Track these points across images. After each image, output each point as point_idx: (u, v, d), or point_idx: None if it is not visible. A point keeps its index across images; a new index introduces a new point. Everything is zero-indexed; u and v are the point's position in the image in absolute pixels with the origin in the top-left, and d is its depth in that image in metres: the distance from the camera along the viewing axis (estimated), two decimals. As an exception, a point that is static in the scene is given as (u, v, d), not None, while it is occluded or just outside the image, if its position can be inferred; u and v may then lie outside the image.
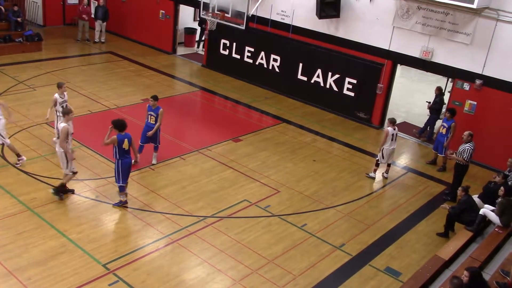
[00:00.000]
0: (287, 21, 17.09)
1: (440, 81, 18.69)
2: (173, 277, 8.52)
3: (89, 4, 21.02)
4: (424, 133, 15.38)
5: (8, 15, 19.07)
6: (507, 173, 11.32)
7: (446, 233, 10.52)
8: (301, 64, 17.07)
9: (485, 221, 10.11)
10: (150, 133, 11.61)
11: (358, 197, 11.74)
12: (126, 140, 9.85)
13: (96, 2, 21.19)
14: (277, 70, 17.77)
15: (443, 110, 14.83)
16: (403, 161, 14.00)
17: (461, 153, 11.60)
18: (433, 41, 14.20)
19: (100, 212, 10.09)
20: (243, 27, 17.39)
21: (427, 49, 14.34)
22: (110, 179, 11.03)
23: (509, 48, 12.99)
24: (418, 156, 14.40)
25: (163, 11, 20.62)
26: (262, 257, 9.28)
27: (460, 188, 10.33)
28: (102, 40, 21.21)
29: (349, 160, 13.55)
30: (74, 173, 10.33)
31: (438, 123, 14.36)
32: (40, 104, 14.50)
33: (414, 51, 14.60)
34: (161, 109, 11.57)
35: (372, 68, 15.52)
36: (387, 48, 15.13)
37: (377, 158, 12.64)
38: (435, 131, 14.56)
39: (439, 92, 15.31)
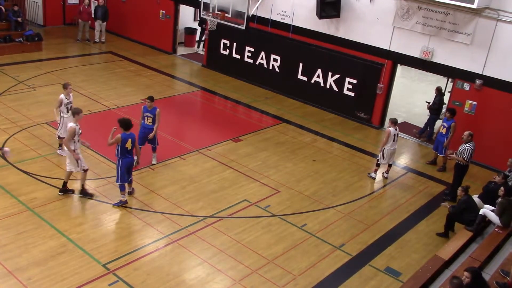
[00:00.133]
0: (287, 21, 17.09)
1: (440, 81, 18.69)
2: (173, 277, 8.52)
3: (89, 4, 21.01)
4: (424, 133, 15.38)
5: (8, 15, 19.07)
6: (507, 173, 11.31)
7: (446, 233, 10.52)
8: (301, 64, 17.07)
9: (485, 221, 10.11)
10: (151, 134, 11.59)
11: (358, 197, 11.74)
12: (130, 139, 9.92)
13: (96, 2, 21.19)
14: (277, 70, 17.77)
15: (443, 110, 14.83)
16: (403, 161, 14.00)
17: (461, 153, 11.60)
18: (433, 41, 14.19)
19: (100, 212, 10.10)
20: (243, 27, 17.39)
21: (427, 49, 14.34)
22: (110, 179, 11.03)
23: (509, 48, 12.99)
24: (418, 156, 14.40)
25: (163, 11, 20.62)
26: (262, 257, 9.28)
27: (460, 188, 10.33)
28: (102, 40, 21.21)
29: (349, 160, 13.55)
30: (85, 170, 10.35)
31: (438, 123, 14.35)
32: (40, 104, 14.52)
33: (414, 51, 14.60)
34: (158, 109, 11.56)
35: (372, 68, 15.52)
36: (387, 48, 15.13)
37: (377, 158, 12.64)
38: (435, 131, 14.56)
39: (438, 92, 15.32)
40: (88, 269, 8.44)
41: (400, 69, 18.38)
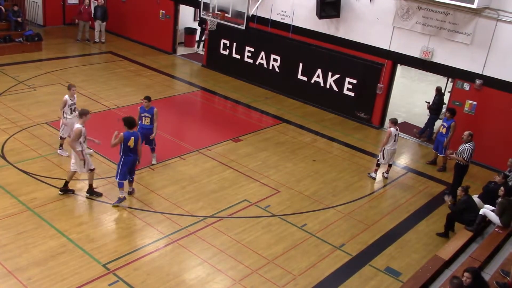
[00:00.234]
0: (287, 21, 17.09)
1: (440, 81, 18.69)
2: (173, 277, 8.52)
3: (89, 4, 21.01)
4: (424, 133, 15.38)
5: (8, 15, 19.07)
6: (508, 173, 11.31)
7: (446, 233, 10.52)
8: (301, 64, 17.07)
9: (485, 221, 10.11)
10: (153, 135, 11.58)
11: (358, 197, 11.74)
12: (132, 138, 9.97)
13: (96, 1, 21.19)
14: (277, 70, 17.77)
15: (443, 110, 14.83)
16: (403, 161, 14.00)
17: (461, 153, 11.61)
18: (433, 41, 14.19)
19: (100, 212, 10.10)
20: (243, 27, 17.39)
21: (427, 49, 14.34)
22: (110, 179, 11.04)
23: (509, 48, 12.99)
24: (418, 156, 14.40)
25: (163, 11, 20.62)
26: (262, 257, 9.28)
27: (460, 188, 10.33)
28: (102, 40, 21.21)
29: (349, 160, 13.55)
30: (92, 170, 10.37)
31: (438, 123, 14.35)
32: (40, 104, 14.52)
33: (414, 51, 14.60)
34: (155, 109, 11.54)
35: (372, 68, 15.52)
36: (387, 48, 15.13)
37: (377, 158, 12.64)
38: (435, 131, 14.56)
39: (438, 92, 15.33)
40: (88, 269, 8.44)
41: (400, 69, 18.37)
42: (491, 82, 13.45)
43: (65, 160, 11.71)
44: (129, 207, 10.30)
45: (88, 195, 10.42)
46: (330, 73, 16.45)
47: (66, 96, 11.57)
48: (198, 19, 21.87)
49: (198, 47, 22.44)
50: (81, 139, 10.04)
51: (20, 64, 17.68)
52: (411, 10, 14.29)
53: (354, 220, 10.82)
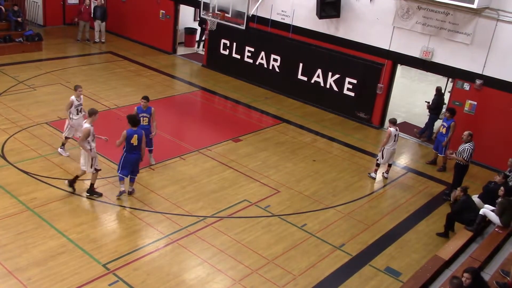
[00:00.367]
0: (287, 21, 17.09)
1: (440, 81, 18.69)
2: (173, 277, 8.52)
3: (90, 4, 21.00)
4: (425, 133, 15.38)
5: (8, 15, 19.07)
6: (508, 173, 11.31)
7: (446, 233, 10.52)
8: (301, 64, 17.07)
9: (485, 221, 10.11)
10: (152, 134, 11.57)
11: (358, 197, 11.74)
12: (135, 135, 10.04)
13: (95, 1, 21.19)
14: (277, 70, 17.76)
15: (443, 110, 14.83)
16: (403, 161, 13.99)
17: (461, 153, 11.60)
18: (433, 41, 14.19)
19: (100, 212, 10.10)
20: (243, 27, 17.39)
21: (427, 49, 14.34)
22: (110, 179, 11.04)
23: (509, 48, 12.99)
24: (418, 156, 14.40)
25: (163, 11, 20.62)
26: (262, 257, 9.28)
27: (458, 189, 10.32)
28: (103, 40, 21.21)
29: (349, 160, 13.55)
30: (97, 170, 10.41)
31: (438, 123, 14.35)
32: (40, 104, 14.52)
33: (414, 51, 14.60)
34: (152, 108, 11.52)
35: (372, 68, 15.52)
36: (387, 48, 15.13)
37: (377, 158, 12.64)
38: (434, 131, 14.56)
39: (437, 92, 15.34)
40: (88, 269, 8.44)
41: (400, 69, 18.38)
42: (491, 82, 13.45)
43: (65, 160, 11.72)
44: (129, 207, 10.30)
45: (88, 194, 10.43)
46: (330, 73, 16.45)
47: (73, 97, 11.57)
48: (198, 19, 21.87)
49: (198, 47, 22.44)
50: (90, 138, 10.08)
51: (20, 64, 17.68)
52: (411, 10, 14.29)
53: (354, 220, 10.82)
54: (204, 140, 13.59)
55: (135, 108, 11.50)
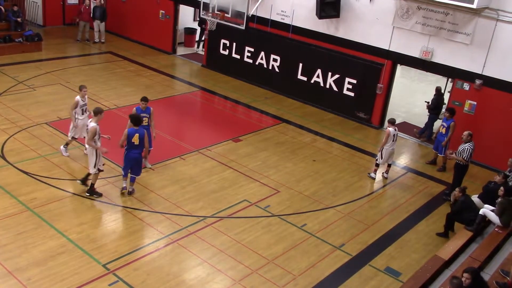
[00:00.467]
0: (287, 21, 17.09)
1: (440, 81, 18.69)
2: (173, 277, 8.52)
3: (90, 4, 21.00)
4: (424, 133, 15.38)
5: (8, 15, 19.07)
6: (508, 173, 11.31)
7: (446, 233, 10.52)
8: (301, 64, 17.07)
9: (485, 221, 10.11)
10: (153, 135, 11.57)
11: (358, 197, 11.74)
12: (137, 134, 10.10)
13: (95, 1, 21.18)
14: (277, 70, 17.77)
15: (443, 110, 14.84)
16: (403, 161, 14.00)
17: (460, 152, 11.61)
18: (433, 41, 14.20)
19: (100, 212, 10.10)
20: (243, 27, 17.39)
21: (427, 49, 14.35)
22: (110, 179, 11.04)
23: (509, 48, 12.99)
24: (418, 156, 14.40)
25: (163, 11, 20.62)
26: (262, 257, 9.28)
27: (457, 189, 10.31)
28: (102, 40, 21.21)
29: (349, 160, 13.55)
30: (100, 170, 10.44)
31: (438, 123, 14.35)
32: (40, 104, 14.52)
33: (414, 51, 14.60)
34: (151, 108, 11.52)
35: (372, 68, 15.52)
36: (387, 48, 15.13)
37: (376, 158, 12.65)
38: (434, 131, 14.56)
39: (437, 92, 15.35)
40: (88, 269, 8.44)
41: (400, 69, 18.39)
42: (491, 82, 13.45)
43: (65, 160, 11.72)
44: (129, 207, 10.29)
45: (88, 194, 10.43)
46: (330, 73, 16.46)
47: (78, 97, 11.56)
48: (198, 19, 21.87)
49: (198, 47, 22.44)
50: (96, 137, 10.13)
51: (20, 64, 17.68)
52: (411, 10, 14.29)
53: (354, 220, 10.82)
54: (204, 140, 13.59)
55: (134, 108, 11.48)
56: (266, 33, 17.67)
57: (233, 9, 17.30)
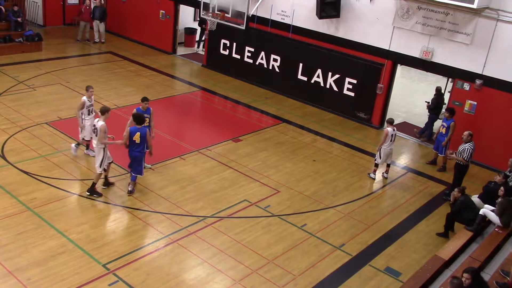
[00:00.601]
0: (287, 21, 17.09)
1: (440, 81, 18.69)
2: (173, 277, 8.52)
3: (90, 5, 20.99)
4: (425, 133, 15.38)
5: (8, 15, 19.06)
6: (508, 173, 11.31)
7: (446, 233, 10.52)
8: (301, 64, 17.07)
9: (485, 221, 10.11)
10: (152, 134, 11.57)
11: (358, 197, 11.74)
12: (138, 133, 10.19)
13: (95, 2, 21.18)
14: (277, 70, 17.77)
15: (443, 110, 14.84)
16: (403, 161, 13.99)
17: (461, 152, 11.60)
18: (433, 41, 14.19)
19: (100, 212, 10.10)
20: (243, 27, 17.39)
21: (427, 49, 14.34)
22: (110, 179, 11.03)
23: (509, 48, 12.99)
24: (418, 156, 14.40)
25: (163, 11, 20.63)
26: (262, 257, 9.28)
27: (456, 189, 10.31)
28: (102, 40, 21.21)
29: (349, 160, 13.55)
30: (105, 170, 10.51)
31: (438, 123, 14.35)
32: (40, 104, 14.52)
33: (414, 51, 14.60)
34: (151, 109, 11.53)
35: (372, 68, 15.52)
36: (387, 48, 15.13)
37: (375, 158, 12.65)
38: (435, 131, 14.56)
39: (437, 92, 15.35)
40: (88, 269, 8.44)
41: (400, 69, 18.39)
42: (491, 82, 13.45)
43: (65, 160, 11.72)
44: (129, 207, 10.30)
45: (89, 194, 10.43)
46: (330, 73, 16.46)
47: (84, 98, 11.55)
48: (198, 19, 21.87)
49: (198, 47, 22.45)
50: (105, 135, 10.26)
51: (20, 64, 17.68)
52: (411, 10, 14.29)
53: (354, 220, 10.82)
54: (204, 140, 13.59)
55: (135, 109, 11.48)
56: (266, 33, 17.67)
57: (233, 9, 17.30)
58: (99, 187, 10.64)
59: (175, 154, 12.68)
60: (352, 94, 16.13)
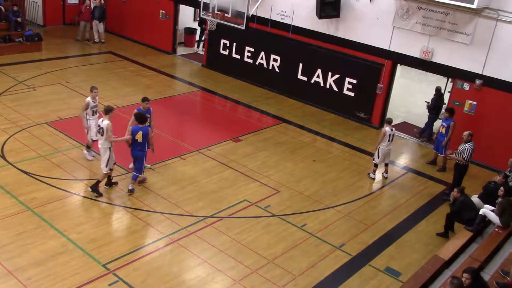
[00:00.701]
0: (287, 21, 17.09)
1: (440, 81, 18.69)
2: (173, 277, 8.52)
3: (90, 5, 20.99)
4: (425, 133, 15.37)
5: (8, 15, 19.06)
6: (508, 173, 11.31)
7: (446, 233, 10.52)
8: (301, 64, 17.07)
9: (485, 221, 10.11)
10: (152, 134, 11.56)
11: (358, 197, 11.74)
12: (140, 132, 10.28)
13: (95, 2, 21.17)
14: (277, 70, 17.77)
15: (443, 110, 14.84)
16: (403, 161, 13.99)
17: (460, 152, 11.60)
18: (433, 41, 14.19)
19: (100, 212, 10.10)
20: (243, 27, 17.38)
21: (427, 49, 14.34)
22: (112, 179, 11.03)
23: (509, 48, 12.99)
24: (418, 156, 14.40)
25: (163, 11, 20.63)
26: (262, 257, 9.28)
27: (455, 190, 10.31)
28: (102, 40, 21.21)
29: (349, 160, 13.55)
30: (111, 169, 10.59)
31: (438, 122, 14.35)
32: (40, 104, 14.52)
33: (414, 51, 14.60)
34: (151, 109, 11.54)
35: (372, 68, 15.52)
36: (387, 48, 15.13)
37: (373, 158, 12.65)
38: (434, 131, 14.56)
39: (437, 92, 15.35)
40: (88, 269, 8.44)
41: (400, 69, 18.38)
42: (491, 82, 13.45)
43: (65, 160, 11.72)
44: (129, 207, 10.30)
45: (90, 190, 10.47)
46: (330, 73, 16.46)
47: (88, 98, 11.54)
48: (198, 19, 21.87)
49: (198, 47, 22.45)
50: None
51: (20, 64, 17.68)
52: (411, 10, 14.29)
53: (354, 220, 10.82)
54: (204, 140, 13.59)
55: (136, 110, 11.48)
56: (266, 33, 17.67)
57: (233, 9, 17.29)
58: (101, 186, 10.65)
59: (175, 154, 12.68)
60: (352, 94, 16.13)
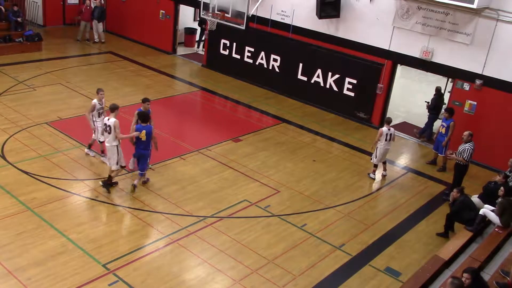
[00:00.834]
0: (287, 21, 17.09)
1: (440, 81, 18.68)
2: (173, 277, 8.52)
3: (90, 5, 20.99)
4: (425, 133, 15.37)
5: (8, 15, 19.06)
6: (508, 173, 11.31)
7: (446, 233, 10.52)
8: (301, 64, 17.07)
9: (485, 221, 10.11)
10: (152, 135, 11.57)
11: (358, 197, 11.74)
12: (144, 131, 10.37)
13: (95, 2, 21.17)
14: (277, 70, 17.77)
15: (442, 110, 14.84)
16: (403, 161, 13.99)
17: (461, 153, 11.60)
18: (433, 41, 14.19)
19: (100, 212, 10.10)
20: (243, 27, 17.38)
21: (427, 49, 14.34)
22: (112, 179, 11.02)
23: (509, 48, 12.99)
24: (418, 156, 14.40)
25: (163, 11, 20.63)
26: (262, 257, 9.28)
27: (455, 190, 10.31)
28: (102, 40, 21.21)
29: (349, 160, 13.55)
30: (123, 167, 10.71)
31: (438, 122, 14.35)
32: (40, 104, 14.52)
33: (414, 51, 14.60)
34: (150, 110, 11.53)
35: (372, 68, 15.52)
36: (387, 48, 15.13)
37: (371, 158, 12.65)
38: (434, 131, 14.56)
39: (436, 92, 15.35)
40: (88, 269, 8.44)
41: (400, 69, 18.38)
42: (491, 82, 13.45)
43: (65, 160, 11.72)
44: (129, 207, 10.30)
45: (102, 184, 10.62)
46: (330, 73, 16.46)
47: (95, 100, 11.53)
48: (198, 19, 21.87)
49: (198, 47, 22.45)
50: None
51: (20, 64, 17.68)
52: (411, 10, 14.29)
53: (354, 220, 10.82)
54: (204, 140, 13.59)
55: (136, 111, 11.48)
56: (266, 33, 17.67)
57: (233, 9, 17.29)
58: (98, 187, 10.66)
59: (175, 154, 12.68)
60: (352, 94, 16.13)
